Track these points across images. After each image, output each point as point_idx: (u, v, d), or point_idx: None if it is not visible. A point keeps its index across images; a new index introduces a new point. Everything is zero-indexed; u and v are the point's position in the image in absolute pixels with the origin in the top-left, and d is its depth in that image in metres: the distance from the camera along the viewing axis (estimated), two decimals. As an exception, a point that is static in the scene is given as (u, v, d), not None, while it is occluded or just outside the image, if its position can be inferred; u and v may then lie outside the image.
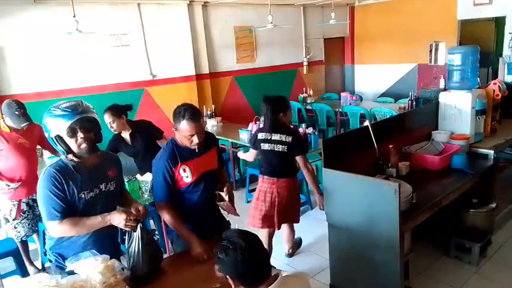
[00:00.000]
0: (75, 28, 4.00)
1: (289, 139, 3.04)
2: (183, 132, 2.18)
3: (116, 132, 3.60)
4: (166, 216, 2.30)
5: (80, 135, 1.84)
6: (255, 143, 3.28)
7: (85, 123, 1.85)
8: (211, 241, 2.25)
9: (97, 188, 1.99)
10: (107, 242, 2.08)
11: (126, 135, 3.65)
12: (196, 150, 2.25)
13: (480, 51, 3.66)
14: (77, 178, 1.91)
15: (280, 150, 3.08)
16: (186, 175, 2.26)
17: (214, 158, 2.43)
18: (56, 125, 1.82)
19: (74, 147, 1.86)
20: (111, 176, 2.07)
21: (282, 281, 1.53)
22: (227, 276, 1.53)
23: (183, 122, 2.16)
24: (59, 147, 1.86)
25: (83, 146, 1.86)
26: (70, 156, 1.89)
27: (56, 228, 1.89)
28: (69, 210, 1.89)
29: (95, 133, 1.91)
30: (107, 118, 3.48)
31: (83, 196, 1.93)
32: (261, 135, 3.19)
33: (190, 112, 2.16)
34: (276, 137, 3.09)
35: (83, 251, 1.94)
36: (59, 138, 1.84)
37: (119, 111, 3.53)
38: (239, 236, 1.54)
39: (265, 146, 3.16)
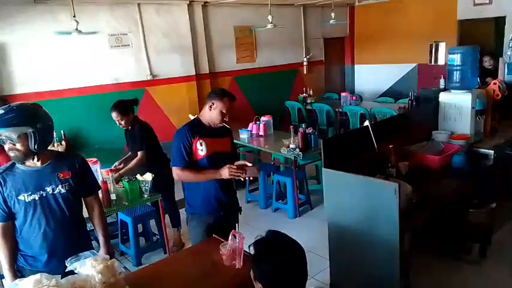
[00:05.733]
0: (75, 28, 4.00)
1: None
2: (222, 107, 2.52)
3: (124, 128, 3.74)
4: (186, 176, 2.58)
5: (7, 145, 1.91)
6: None
7: (6, 137, 1.89)
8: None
9: (43, 191, 2.01)
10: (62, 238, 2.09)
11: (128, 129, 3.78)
12: (226, 125, 2.64)
13: (480, 51, 3.66)
14: (17, 180, 1.97)
15: None
16: (201, 148, 2.56)
17: (227, 144, 2.73)
18: None
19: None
20: (62, 178, 2.06)
21: None
22: (255, 279, 1.40)
23: (225, 99, 2.53)
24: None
25: (12, 154, 1.94)
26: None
27: None
28: (8, 213, 1.98)
29: (28, 143, 1.91)
30: (115, 116, 3.59)
31: (23, 198, 1.97)
32: None
33: (231, 93, 2.61)
34: None
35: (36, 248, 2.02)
36: None
37: (125, 109, 3.62)
38: (286, 243, 1.40)
39: None
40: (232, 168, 2.48)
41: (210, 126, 2.59)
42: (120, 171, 3.55)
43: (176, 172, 2.59)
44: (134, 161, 3.61)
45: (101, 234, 2.29)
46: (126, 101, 3.67)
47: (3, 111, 1.88)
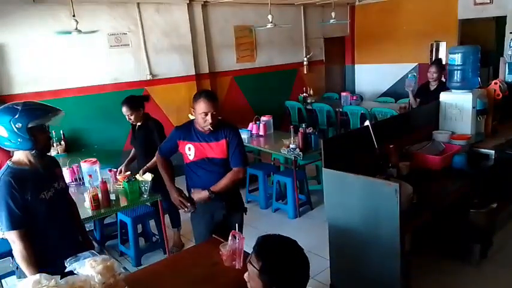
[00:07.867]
0: (74, 27, 3.99)
1: None
2: (198, 110, 2.43)
3: (133, 123, 3.75)
4: (158, 164, 2.78)
5: (48, 132, 1.97)
6: None
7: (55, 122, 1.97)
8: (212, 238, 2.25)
9: (53, 187, 2.04)
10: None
11: (137, 126, 3.77)
12: (211, 128, 2.46)
13: (481, 50, 3.65)
14: (35, 180, 1.94)
15: None
16: (189, 153, 2.57)
17: (222, 148, 2.56)
18: (30, 118, 1.86)
19: (41, 143, 1.93)
20: (58, 174, 2.14)
21: None
22: (262, 280, 1.42)
23: (199, 100, 2.43)
24: (27, 140, 1.87)
25: (50, 142, 2.01)
26: (33, 152, 1.94)
27: (14, 239, 1.91)
28: (29, 217, 1.91)
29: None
30: (125, 111, 3.62)
31: (44, 196, 1.96)
32: None
33: (207, 93, 2.53)
34: None
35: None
36: (32, 130, 1.87)
37: (136, 104, 3.65)
38: (295, 247, 1.46)
39: None
40: (180, 200, 2.59)
41: (204, 130, 2.52)
42: (148, 165, 3.55)
43: (157, 156, 2.80)
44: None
45: (82, 229, 2.36)
46: (137, 97, 3.76)
47: (40, 103, 1.98)
